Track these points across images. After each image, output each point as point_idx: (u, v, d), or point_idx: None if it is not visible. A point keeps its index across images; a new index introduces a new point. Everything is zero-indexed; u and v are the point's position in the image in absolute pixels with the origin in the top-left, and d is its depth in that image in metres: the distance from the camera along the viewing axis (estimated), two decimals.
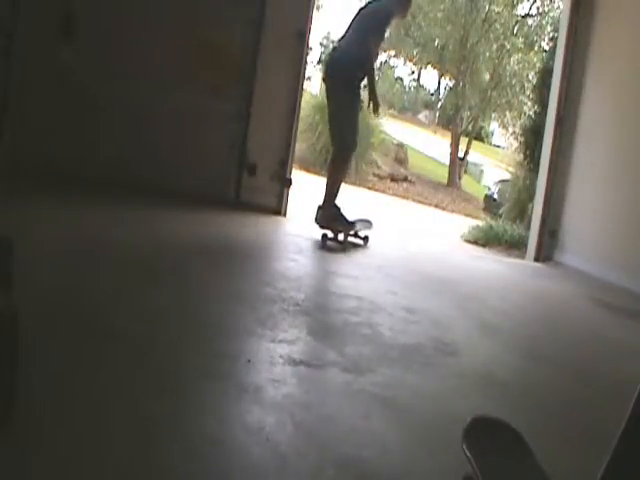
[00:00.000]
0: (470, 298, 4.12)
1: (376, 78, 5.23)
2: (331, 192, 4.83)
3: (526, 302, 4.56)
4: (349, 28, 4.90)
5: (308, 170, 11.08)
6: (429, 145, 23.11)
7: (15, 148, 4.69)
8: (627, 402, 1.06)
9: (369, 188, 13.81)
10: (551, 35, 16.40)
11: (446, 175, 19.26)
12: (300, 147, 7.65)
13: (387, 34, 5.09)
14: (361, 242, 4.99)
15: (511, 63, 18.56)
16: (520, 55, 18.45)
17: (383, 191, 14.23)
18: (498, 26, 18.22)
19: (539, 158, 6.49)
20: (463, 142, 20.82)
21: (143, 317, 2.55)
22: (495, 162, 19.12)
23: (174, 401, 1.89)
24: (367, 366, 2.47)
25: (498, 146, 23.93)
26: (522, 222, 8.36)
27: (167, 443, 1.67)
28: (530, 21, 19.77)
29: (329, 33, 24.52)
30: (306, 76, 5.91)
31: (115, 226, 3.99)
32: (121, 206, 4.54)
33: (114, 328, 2.37)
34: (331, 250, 4.58)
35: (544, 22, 18.94)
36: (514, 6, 19.06)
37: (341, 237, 4.74)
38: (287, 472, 1.65)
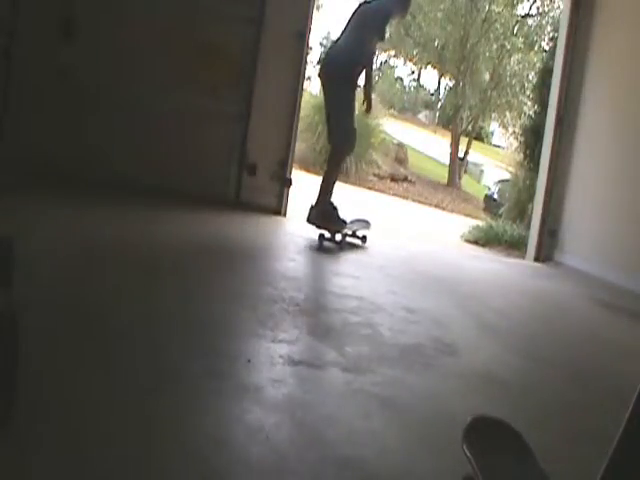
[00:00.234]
0: (470, 298, 4.12)
1: (375, 78, 5.23)
2: (325, 190, 4.78)
3: (526, 302, 4.56)
4: (347, 26, 4.85)
5: (308, 170, 11.08)
6: (429, 145, 23.11)
7: (15, 148, 4.69)
8: (627, 402, 1.06)
9: (369, 188, 13.81)
10: (551, 35, 16.41)
11: (446, 175, 19.27)
12: (300, 147, 7.66)
13: (387, 34, 5.07)
14: (359, 242, 4.97)
15: (511, 63, 18.57)
16: (520, 55, 18.46)
17: (383, 191, 14.23)
18: (498, 26, 18.23)
19: (539, 158, 6.49)
20: (463, 142, 20.83)
21: (143, 317, 2.55)
22: (495, 162, 19.13)
23: (174, 401, 1.89)
24: (367, 366, 2.47)
25: (498, 146, 23.95)
26: (522, 222, 8.37)
27: (167, 443, 1.67)
28: (530, 21, 19.78)
29: (329, 33, 24.54)
30: (306, 76, 5.91)
31: (115, 226, 3.99)
32: (121, 206, 4.54)
33: (114, 328, 2.37)
34: (330, 250, 4.58)
35: (544, 22, 18.96)
36: (514, 6, 19.07)
37: (338, 237, 4.70)
38: (287, 472, 1.65)
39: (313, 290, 3.72)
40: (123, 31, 4.99)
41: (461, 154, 20.42)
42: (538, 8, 19.71)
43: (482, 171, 22.24)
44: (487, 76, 19.01)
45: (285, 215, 5.45)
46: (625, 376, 2.82)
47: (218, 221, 4.87)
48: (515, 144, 12.25)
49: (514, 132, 15.90)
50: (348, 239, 4.86)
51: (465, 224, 9.20)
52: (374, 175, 14.85)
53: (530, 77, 17.31)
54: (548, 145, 6.15)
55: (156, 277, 3.18)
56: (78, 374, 1.93)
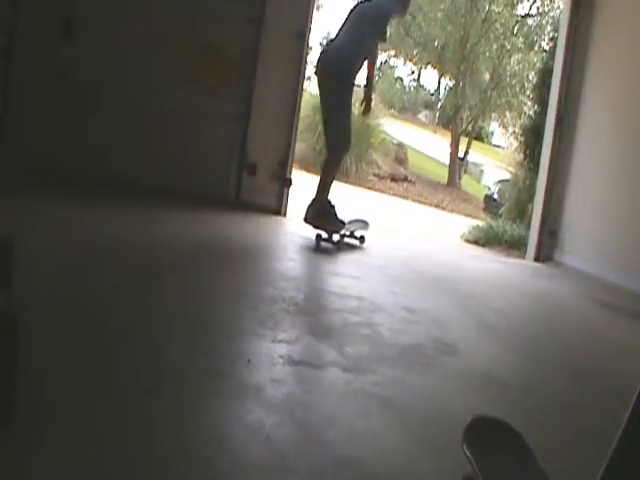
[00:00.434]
0: (470, 298, 4.12)
1: (375, 78, 5.21)
2: (322, 189, 4.74)
3: (526, 302, 4.56)
4: (344, 24, 4.81)
5: (308, 170, 11.07)
6: (429, 145, 23.11)
7: (15, 148, 4.69)
8: (627, 402, 1.06)
9: (369, 188, 13.82)
10: (551, 35, 16.42)
11: (446, 175, 19.27)
12: (300, 147, 7.66)
13: (388, 35, 5.04)
14: (357, 242, 4.94)
15: (511, 63, 18.58)
16: (520, 55, 18.46)
17: (383, 191, 14.24)
18: (498, 26, 18.23)
19: (539, 158, 6.50)
20: (463, 142, 20.83)
21: (143, 317, 2.55)
22: (495, 162, 19.14)
23: (174, 401, 1.89)
24: (367, 366, 2.47)
25: (498, 146, 23.96)
26: (522, 222, 8.37)
27: (167, 443, 1.67)
28: (530, 21, 19.78)
29: (329, 33, 24.51)
30: (306, 76, 5.91)
31: (115, 226, 3.99)
32: (121, 206, 4.54)
33: (114, 328, 2.37)
34: (329, 250, 4.58)
35: (544, 22, 18.96)
36: (514, 6, 19.07)
37: (336, 237, 4.66)
38: (287, 472, 1.65)
39: (313, 290, 3.72)
40: (123, 31, 4.99)
41: (461, 154, 20.43)
42: (538, 8, 19.72)
43: (482, 171, 22.25)
44: (487, 76, 19.01)
45: (285, 215, 5.45)
46: (625, 376, 2.82)
47: (218, 221, 4.87)
48: (515, 144, 12.26)
49: (514, 132, 15.92)
50: (346, 239, 4.83)
51: (465, 224, 9.20)
52: (374, 175, 14.86)
53: (530, 77, 17.31)
54: (548, 145, 6.15)
55: (156, 277, 3.18)
56: (78, 374, 1.93)
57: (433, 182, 18.13)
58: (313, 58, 5.16)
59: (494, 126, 24.68)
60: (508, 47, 18.38)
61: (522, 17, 19.72)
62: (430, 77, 38.41)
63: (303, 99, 5.59)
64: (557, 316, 4.23)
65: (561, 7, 9.70)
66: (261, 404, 1.98)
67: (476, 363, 2.85)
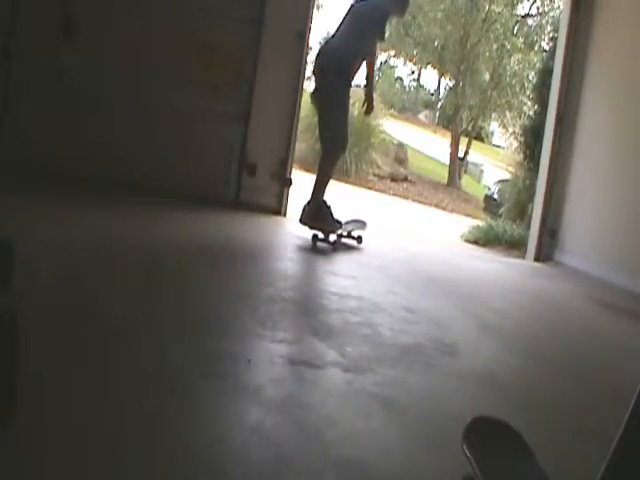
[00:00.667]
0: (470, 298, 4.12)
1: (376, 78, 5.20)
2: (318, 190, 4.70)
3: (526, 302, 4.56)
4: (342, 24, 4.77)
5: (308, 170, 11.07)
6: (429, 145, 23.11)
7: (15, 148, 4.69)
8: (627, 402, 1.06)
9: (369, 188, 13.82)
10: (551, 35, 16.42)
11: (446, 175, 19.27)
12: (300, 147, 7.66)
13: (387, 34, 5.03)
14: (354, 243, 4.89)
15: (511, 63, 18.57)
16: (520, 55, 18.46)
17: (383, 191, 14.24)
18: (498, 26, 18.23)
19: (539, 158, 6.50)
20: (463, 142, 20.83)
21: (144, 317, 2.55)
22: (495, 162, 19.14)
23: (174, 401, 1.89)
24: (367, 366, 2.47)
25: (498, 146, 23.96)
26: (522, 222, 8.37)
27: (167, 443, 1.67)
28: (530, 21, 19.80)
29: (329, 33, 24.49)
30: (306, 76, 5.91)
31: (115, 226, 3.99)
32: (121, 206, 4.54)
33: (114, 328, 2.37)
34: (329, 250, 4.57)
35: (544, 22, 18.97)
36: (514, 6, 19.08)
37: (332, 238, 4.61)
38: (287, 472, 1.65)
39: (313, 290, 3.72)
40: (123, 31, 4.98)
41: (461, 154, 20.43)
42: (538, 8, 19.73)
43: (482, 171, 22.25)
44: (487, 76, 19.01)
45: (285, 215, 5.44)
46: (625, 376, 2.82)
47: (218, 221, 4.87)
48: (515, 144, 12.26)
49: (514, 132, 15.92)
50: (343, 240, 4.80)
51: (465, 224, 9.21)
52: (374, 175, 14.86)
53: (530, 77, 17.31)
54: (548, 145, 6.15)
55: (156, 277, 3.18)
56: (78, 374, 1.93)
57: (433, 182, 18.13)
58: (313, 58, 5.14)
59: (494, 126, 24.68)
60: (508, 47, 18.38)
61: (522, 17, 19.73)
62: (430, 77, 38.41)
63: (303, 99, 5.59)
64: (557, 316, 4.23)
65: (561, 7, 9.70)
66: (261, 404, 1.98)
67: (476, 363, 2.85)
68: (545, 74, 8.66)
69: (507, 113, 19.03)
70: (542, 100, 8.24)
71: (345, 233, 4.84)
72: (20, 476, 1.42)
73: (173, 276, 3.29)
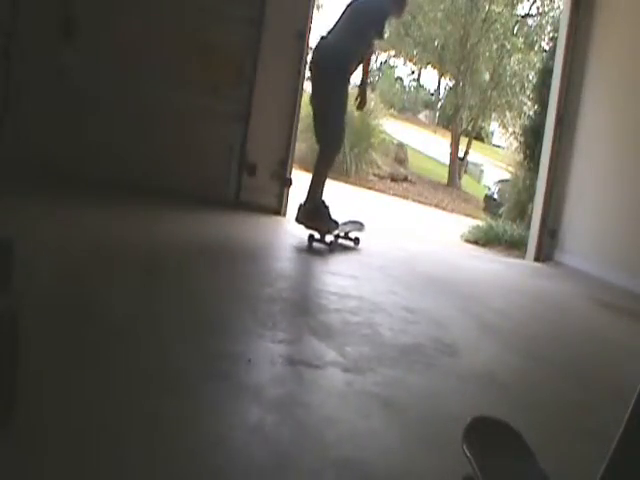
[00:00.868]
0: (470, 298, 4.12)
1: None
2: (315, 189, 4.67)
3: (526, 302, 4.56)
4: (339, 21, 4.73)
5: (308, 170, 11.06)
6: (429, 145, 23.10)
7: (15, 148, 4.69)
8: (627, 402, 1.06)
9: (369, 188, 13.82)
10: (551, 35, 16.42)
11: (446, 175, 19.27)
12: (300, 147, 7.65)
13: (387, 34, 5.03)
14: (351, 244, 4.84)
15: (511, 63, 18.57)
16: (520, 55, 18.46)
17: (383, 191, 14.24)
18: (498, 26, 18.23)
19: (539, 158, 6.50)
20: (463, 142, 20.83)
21: (143, 317, 2.55)
22: (495, 162, 19.14)
23: (174, 401, 1.89)
24: (367, 366, 2.47)
25: (498, 146, 23.97)
26: (522, 222, 8.37)
27: (167, 443, 1.67)
28: (530, 21, 19.80)
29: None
30: (306, 76, 5.91)
31: (115, 226, 3.99)
32: (121, 206, 4.54)
33: (114, 328, 2.37)
34: (328, 251, 4.56)
35: (544, 22, 18.97)
36: (514, 6, 19.08)
37: (329, 238, 4.57)
38: (287, 472, 1.65)
39: (313, 290, 3.72)
40: (123, 31, 4.99)
41: (461, 154, 20.43)
42: (538, 8, 19.73)
43: (482, 171, 22.25)
44: (487, 76, 19.01)
45: (285, 215, 5.44)
46: (625, 376, 2.82)
47: (218, 221, 4.87)
48: (515, 144, 12.26)
49: (514, 132, 15.92)
50: (340, 241, 4.76)
51: (465, 224, 9.20)
52: (374, 175, 14.86)
53: (530, 77, 17.31)
54: (548, 145, 6.15)
55: (156, 277, 3.18)
56: (78, 374, 1.93)
57: (433, 182, 18.14)
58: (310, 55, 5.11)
59: (494, 126, 24.68)
60: (508, 47, 18.38)
61: (522, 17, 19.73)
62: (430, 77, 38.42)
63: (303, 99, 5.59)
64: (557, 316, 4.23)
65: (561, 7, 9.70)
66: (261, 404, 1.98)
67: (476, 363, 2.85)
68: (545, 74, 8.65)
69: (507, 113, 19.03)
70: (542, 100, 8.24)
71: (342, 234, 4.80)
72: (20, 476, 1.42)
73: (173, 276, 3.29)
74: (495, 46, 18.43)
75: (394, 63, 28.26)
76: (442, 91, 29.58)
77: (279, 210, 5.41)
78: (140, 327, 2.43)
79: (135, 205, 4.65)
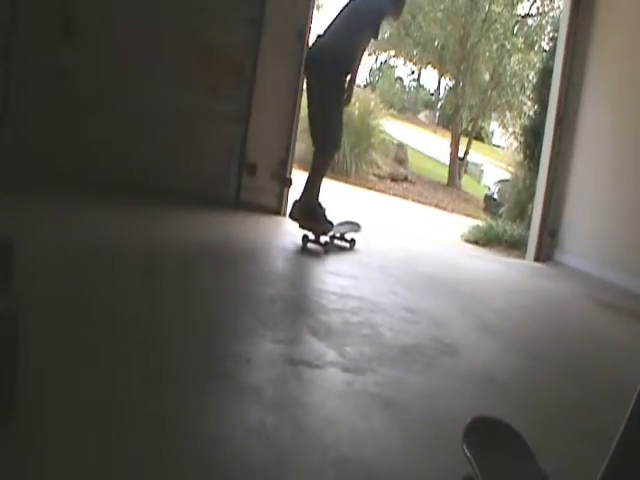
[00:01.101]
0: (470, 298, 4.12)
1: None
2: (311, 189, 4.64)
3: (526, 302, 4.56)
4: (336, 20, 4.70)
5: (308, 170, 11.08)
6: (429, 145, 23.11)
7: (15, 148, 4.69)
8: (627, 402, 1.06)
9: (369, 188, 13.82)
10: (551, 35, 16.42)
11: (446, 175, 19.28)
12: (300, 147, 7.64)
13: (386, 34, 5.02)
14: (347, 245, 4.80)
15: (511, 63, 18.58)
16: (520, 55, 18.47)
17: (383, 191, 14.24)
18: (498, 26, 18.24)
19: (539, 158, 6.50)
20: (463, 142, 20.84)
21: (144, 317, 2.55)
22: (495, 162, 19.14)
23: (174, 401, 1.89)
24: (367, 366, 2.47)
25: (498, 146, 23.96)
26: (522, 222, 8.37)
27: (167, 443, 1.67)
28: (530, 21, 19.80)
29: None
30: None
31: (115, 226, 3.99)
32: (121, 206, 4.54)
33: (114, 328, 2.37)
34: (330, 251, 4.55)
35: (544, 22, 18.97)
36: (514, 6, 19.08)
37: (323, 239, 4.52)
38: (287, 472, 1.65)
39: (313, 290, 3.72)
40: (123, 31, 4.99)
41: (461, 154, 20.43)
42: (538, 8, 19.73)
43: (482, 171, 22.25)
44: (487, 76, 19.02)
45: (285, 215, 5.43)
46: (625, 376, 2.82)
47: (218, 221, 4.87)
48: (515, 144, 12.26)
49: (514, 132, 15.92)
50: (336, 242, 4.73)
51: (465, 224, 9.21)
52: (374, 175, 14.86)
53: (530, 77, 17.32)
54: (548, 145, 6.15)
55: (156, 277, 3.18)
56: (78, 374, 1.93)
57: (433, 182, 18.14)
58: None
59: (494, 126, 24.69)
60: (508, 47, 18.38)
61: (522, 17, 19.73)
62: (430, 77, 38.44)
63: (303, 99, 5.59)
64: (557, 316, 4.23)
65: (561, 7, 9.70)
66: (261, 404, 1.98)
67: (476, 363, 2.85)
68: (545, 74, 8.66)
69: (507, 113, 19.03)
70: (542, 100, 8.24)
71: (338, 235, 4.78)
72: (20, 476, 1.42)
73: (173, 276, 3.29)
74: (495, 46, 18.44)
75: (394, 63, 28.27)
76: (442, 91, 29.60)
77: (279, 210, 5.40)
78: (140, 327, 2.43)
79: (135, 205, 4.64)
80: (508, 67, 18.57)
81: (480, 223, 8.91)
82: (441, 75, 24.50)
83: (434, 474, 1.80)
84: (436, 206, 14.49)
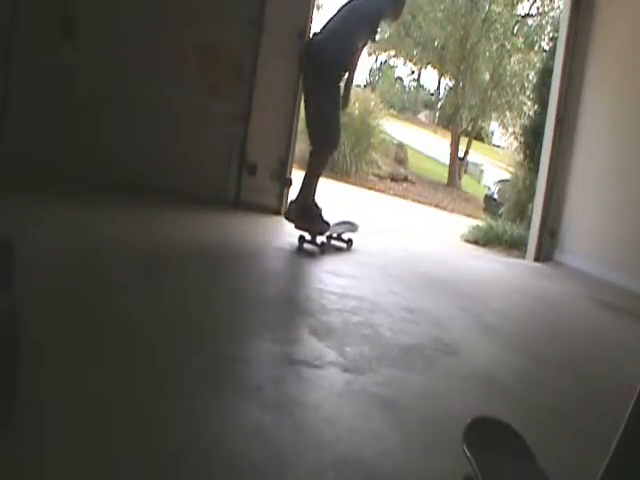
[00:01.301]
0: (470, 298, 4.12)
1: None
2: (308, 189, 4.61)
3: (526, 302, 4.56)
4: (335, 20, 4.68)
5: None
6: (429, 145, 23.12)
7: (15, 148, 4.69)
8: (627, 402, 1.06)
9: (369, 188, 13.83)
10: (551, 35, 16.43)
11: (446, 175, 19.28)
12: (300, 147, 7.63)
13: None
14: (344, 245, 4.78)
15: (511, 63, 18.59)
16: (520, 55, 18.48)
17: (383, 191, 14.25)
18: (498, 26, 18.25)
19: (539, 158, 6.50)
20: (463, 142, 20.84)
21: (143, 317, 2.55)
22: (495, 162, 19.14)
23: (174, 401, 1.89)
24: (367, 366, 2.47)
25: (498, 146, 23.97)
26: (522, 222, 8.37)
27: (167, 443, 1.67)
28: (530, 21, 19.82)
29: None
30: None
31: (115, 226, 3.99)
32: (121, 206, 4.53)
33: (114, 327, 2.37)
34: (330, 251, 4.56)
35: (544, 22, 18.99)
36: (514, 6, 19.09)
37: (320, 240, 4.49)
38: (287, 472, 1.65)
39: (313, 290, 3.71)
40: (123, 30, 4.99)
41: (461, 154, 20.44)
42: (538, 8, 19.75)
43: (482, 171, 22.26)
44: (487, 76, 19.03)
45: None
46: (625, 376, 2.82)
47: (218, 221, 4.87)
48: (515, 144, 12.26)
49: (514, 132, 15.92)
50: (333, 242, 4.71)
51: (465, 224, 9.21)
52: (374, 175, 14.86)
53: (530, 77, 17.32)
54: (548, 145, 6.15)
55: (157, 277, 3.18)
56: (78, 374, 1.93)
57: (433, 182, 18.14)
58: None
59: (494, 126, 24.71)
60: (508, 47, 18.40)
61: (522, 17, 19.75)
62: (430, 77, 38.46)
63: (303, 99, 5.57)
64: (557, 316, 4.23)
65: (561, 7, 9.70)
66: (261, 404, 1.98)
67: (476, 363, 2.85)
68: (545, 74, 8.66)
69: (507, 113, 19.04)
70: (542, 100, 8.24)
71: (335, 235, 4.76)
72: (20, 476, 1.42)
73: (173, 276, 3.29)
74: (495, 46, 18.45)
75: (394, 63, 28.30)
76: (442, 91, 29.62)
77: (279, 210, 5.40)
78: (140, 327, 2.43)
79: (135, 205, 4.64)
80: (508, 67, 18.58)
81: (480, 223, 8.92)
82: (441, 75, 24.51)
83: (434, 474, 1.80)
84: (436, 206, 14.49)
